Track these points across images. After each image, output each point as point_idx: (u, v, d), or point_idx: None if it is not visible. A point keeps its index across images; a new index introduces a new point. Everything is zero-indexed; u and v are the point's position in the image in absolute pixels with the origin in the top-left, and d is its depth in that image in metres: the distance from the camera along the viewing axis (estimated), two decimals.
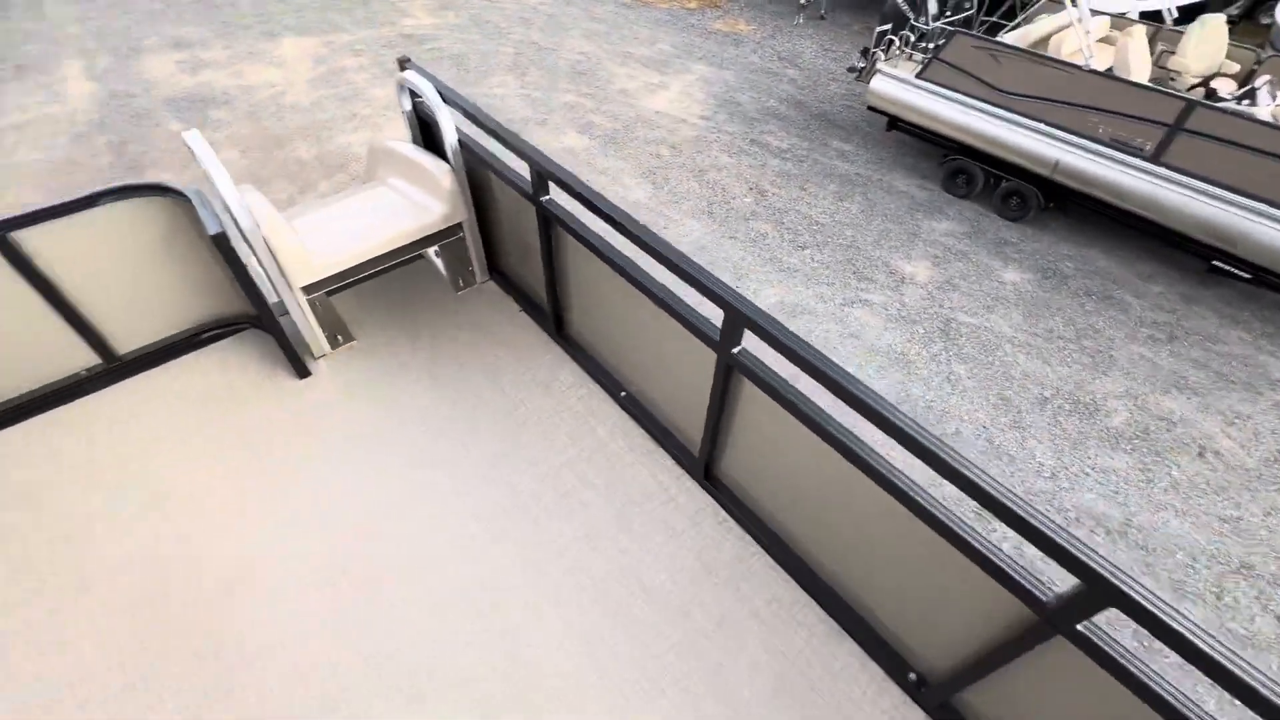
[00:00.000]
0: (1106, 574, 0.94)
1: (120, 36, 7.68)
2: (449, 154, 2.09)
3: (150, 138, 5.76)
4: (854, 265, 4.63)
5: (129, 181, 1.81)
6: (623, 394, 2.06)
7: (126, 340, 2.05)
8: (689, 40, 8.09)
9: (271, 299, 1.97)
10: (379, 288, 2.43)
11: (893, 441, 1.14)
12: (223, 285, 2.06)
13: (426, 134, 2.29)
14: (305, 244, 1.93)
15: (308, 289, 1.99)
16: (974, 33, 5.32)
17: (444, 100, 2.04)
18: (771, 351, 1.31)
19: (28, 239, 1.71)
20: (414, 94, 2.15)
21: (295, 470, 1.88)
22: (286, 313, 2.01)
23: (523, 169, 1.84)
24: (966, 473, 1.04)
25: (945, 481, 1.09)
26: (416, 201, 2.17)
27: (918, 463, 1.13)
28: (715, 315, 1.46)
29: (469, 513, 1.80)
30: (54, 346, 1.92)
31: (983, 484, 1.03)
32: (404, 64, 2.14)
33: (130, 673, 1.48)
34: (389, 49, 7.51)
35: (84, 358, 1.99)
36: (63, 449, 1.88)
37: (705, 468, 1.84)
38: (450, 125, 2.05)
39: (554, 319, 2.18)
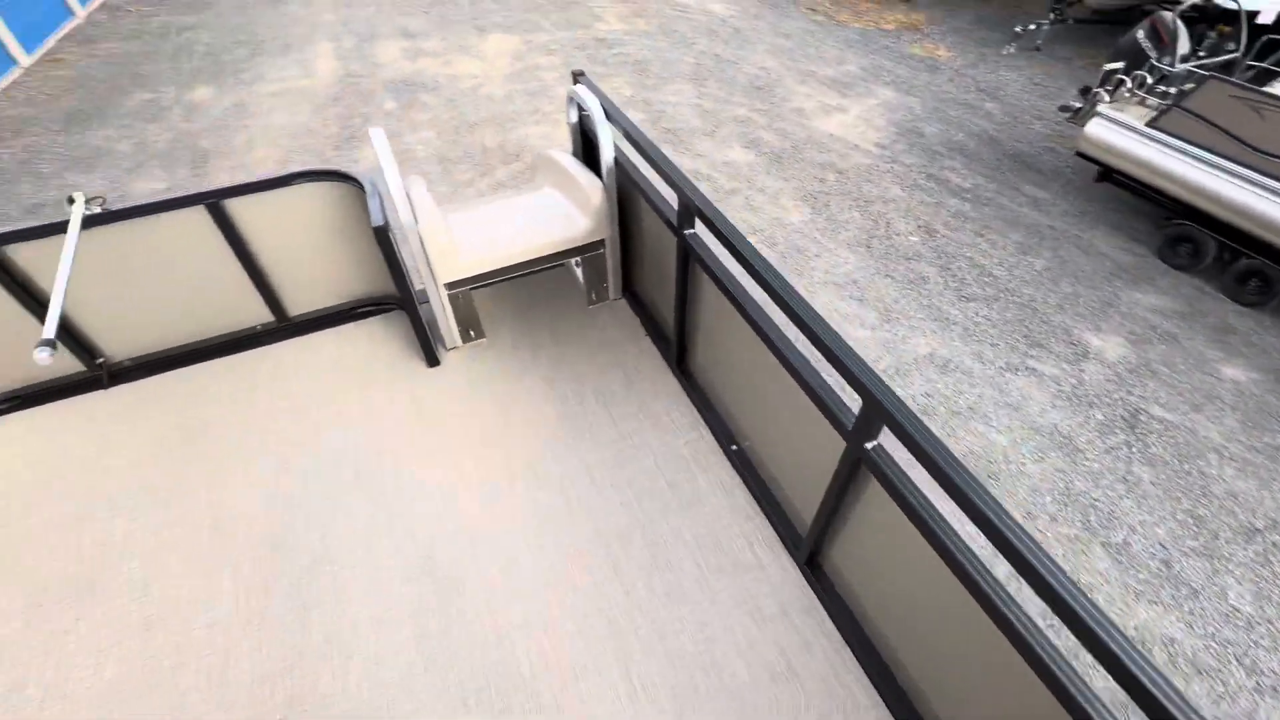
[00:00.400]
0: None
1: (364, 24, 8.87)
2: (604, 171, 2.11)
3: (369, 114, 6.58)
4: (1026, 328, 4.11)
5: (318, 167, 2.03)
6: (734, 447, 1.95)
7: (295, 304, 2.31)
8: (878, 63, 7.69)
9: (418, 287, 2.12)
10: (516, 287, 2.52)
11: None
12: (380, 268, 2.24)
13: (588, 147, 2.32)
14: (455, 243, 2.04)
15: (450, 285, 2.10)
16: (1234, 80, 4.48)
17: (607, 117, 2.05)
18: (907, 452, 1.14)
19: (233, 207, 1.98)
20: (581, 107, 2.19)
21: (404, 451, 1.98)
22: (428, 301, 2.15)
23: (671, 197, 1.80)
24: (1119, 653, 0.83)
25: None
26: (566, 213, 2.22)
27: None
28: (853, 398, 1.30)
29: (552, 536, 1.78)
30: (239, 301, 2.20)
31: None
32: (577, 77, 2.20)
33: (241, 608, 1.64)
34: (580, 50, 7.95)
35: (260, 314, 2.27)
36: (229, 393, 2.14)
37: (810, 553, 1.68)
38: (609, 143, 2.07)
39: (678, 351, 2.13)
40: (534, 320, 2.40)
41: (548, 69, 7.49)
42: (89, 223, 1.78)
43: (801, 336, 1.34)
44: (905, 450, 1.11)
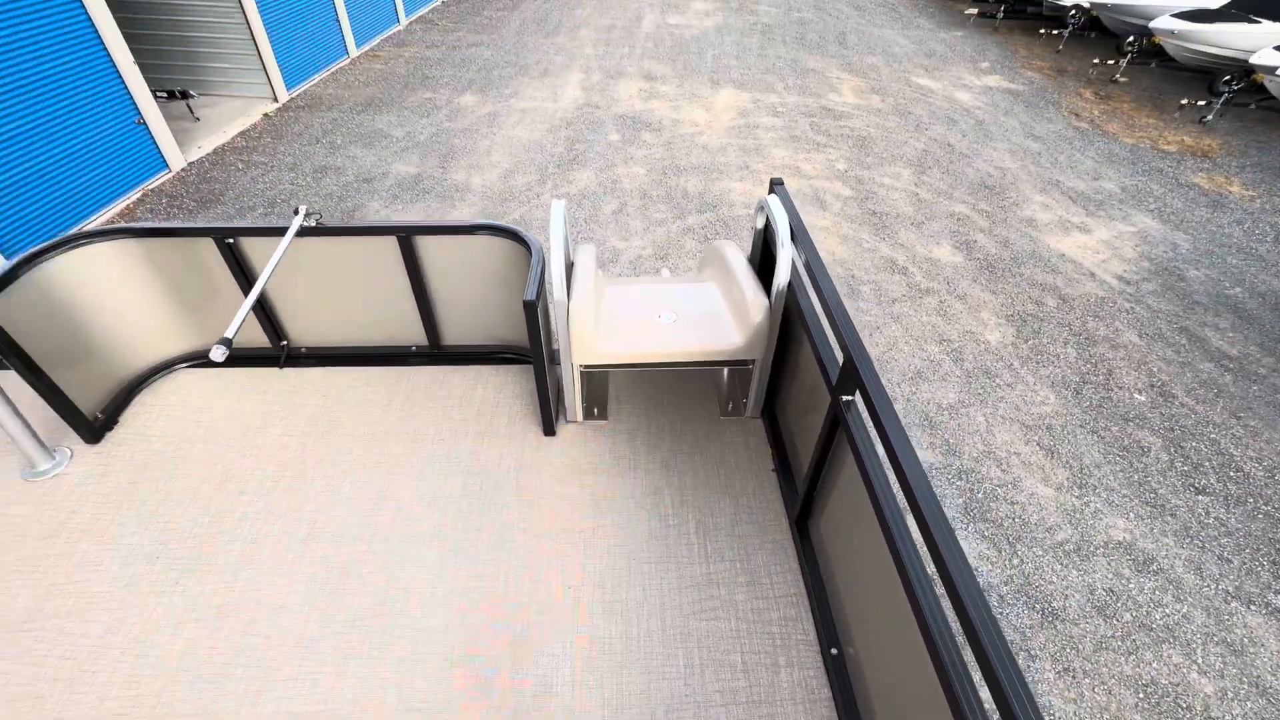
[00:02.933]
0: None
1: (615, 62, 9.73)
2: (773, 293, 1.95)
3: (593, 141, 7.14)
4: (1278, 551, 3.20)
5: (503, 224, 2.14)
6: (834, 651, 1.66)
7: (448, 335, 2.45)
8: (1144, 185, 6.67)
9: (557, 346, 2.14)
10: (655, 375, 2.44)
11: None
12: (524, 326, 2.31)
13: (766, 256, 2.19)
14: (598, 329, 1.99)
15: (585, 367, 2.07)
16: None
17: (792, 238, 1.90)
18: None
19: (420, 241, 2.18)
20: (769, 219, 2.07)
21: (492, 519, 1.96)
22: (559, 364, 2.15)
23: (839, 351, 1.56)
24: None
25: None
26: (721, 322, 2.07)
27: None
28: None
29: (599, 675, 1.62)
30: (402, 321, 2.39)
31: None
32: (774, 185, 2.10)
33: (295, 630, 1.70)
34: (805, 117, 7.94)
35: (417, 337, 2.44)
36: (370, 400, 2.31)
37: None
38: (786, 266, 1.90)
39: (801, 506, 1.88)
40: (661, 416, 2.28)
41: (767, 129, 7.57)
42: (303, 233, 2.06)
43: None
44: None
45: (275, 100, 7.83)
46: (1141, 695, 2.63)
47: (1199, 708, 2.61)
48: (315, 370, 2.42)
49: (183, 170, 6.30)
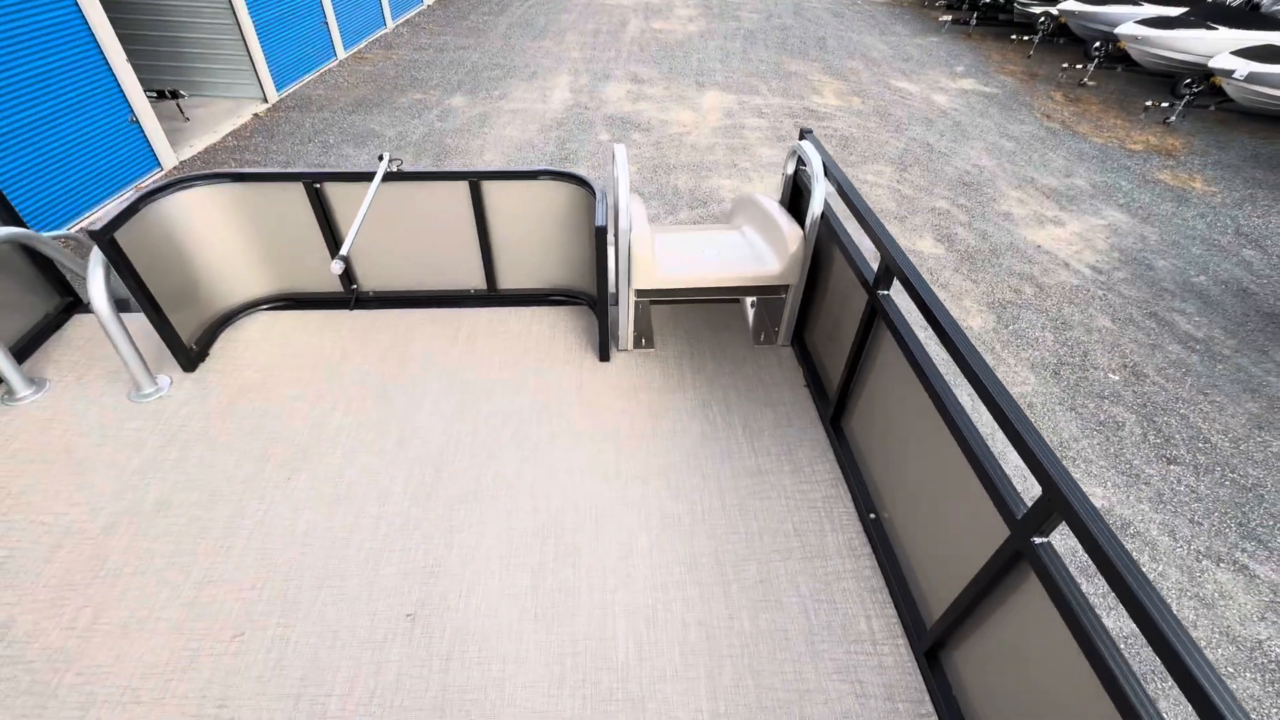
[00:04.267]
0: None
1: (602, 65, 9.88)
2: (807, 222, 2.18)
3: (584, 140, 7.27)
4: (1244, 514, 3.41)
5: (563, 168, 2.34)
6: (872, 516, 1.87)
7: (505, 279, 2.65)
8: (1114, 182, 6.98)
9: (611, 289, 2.31)
10: (691, 311, 2.66)
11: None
12: (582, 266, 2.51)
13: (794, 201, 2.43)
14: (655, 256, 2.21)
15: (640, 293, 2.29)
16: None
17: (825, 173, 2.13)
18: (1082, 554, 1.01)
19: (488, 187, 2.37)
20: (800, 161, 2.29)
21: (560, 425, 2.16)
22: (615, 304, 2.34)
23: (874, 258, 1.80)
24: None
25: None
26: (760, 252, 2.33)
27: None
28: (1028, 488, 1.18)
29: (672, 540, 1.83)
30: (465, 264, 2.59)
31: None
32: (804, 134, 2.31)
33: (403, 512, 1.90)
34: (789, 117, 8.16)
35: (477, 280, 2.64)
36: (438, 336, 2.50)
37: (932, 645, 1.54)
38: (821, 196, 2.14)
39: (835, 407, 2.10)
40: (701, 345, 2.51)
41: (753, 129, 7.77)
42: (388, 178, 2.25)
43: (983, 416, 1.27)
44: (1079, 553, 0.99)
45: (265, 101, 7.85)
46: (1123, 646, 2.80)
47: None
48: (383, 312, 2.62)
49: (175, 168, 6.30)
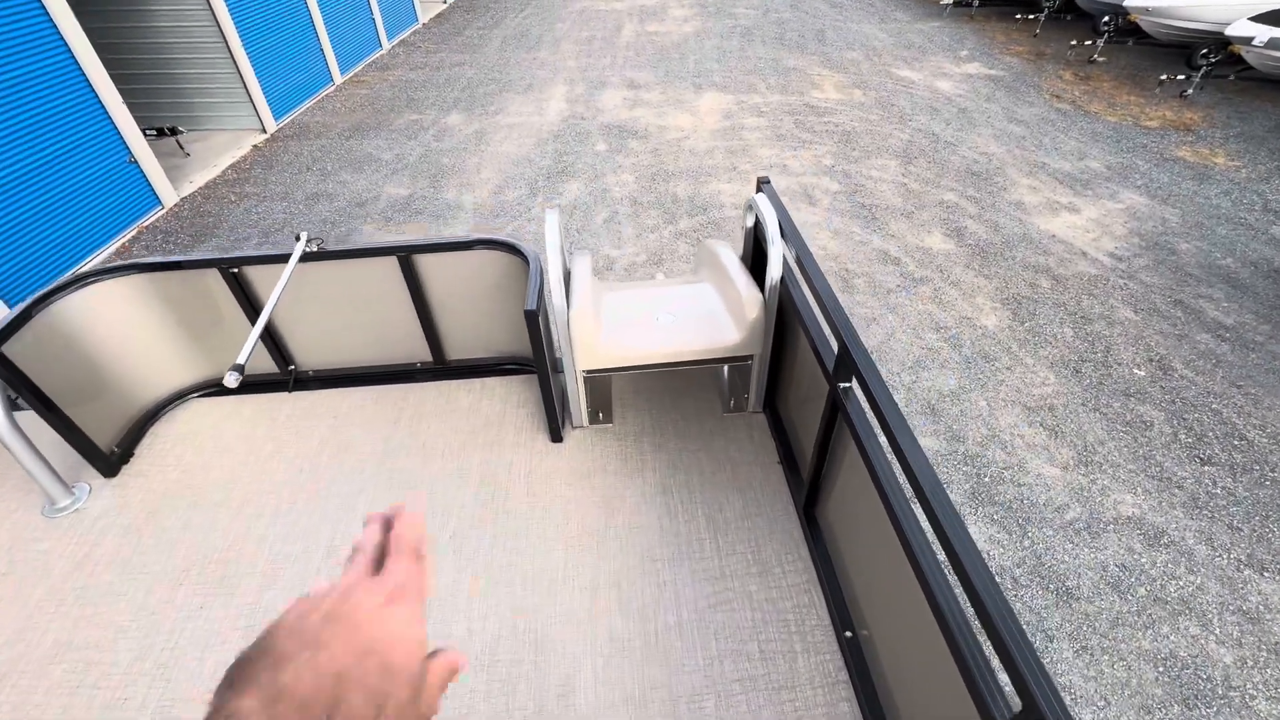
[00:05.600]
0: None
1: (598, 73, 9.80)
2: (766, 286, 1.97)
3: (581, 152, 7.19)
4: None
5: (495, 236, 2.16)
6: (849, 634, 1.65)
7: (452, 349, 2.48)
8: (1130, 162, 6.72)
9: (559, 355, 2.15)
10: (655, 376, 2.46)
11: None
12: (526, 336, 2.33)
13: (758, 253, 2.20)
14: (599, 333, 2.00)
15: (588, 372, 2.08)
16: None
17: (781, 234, 1.92)
18: None
19: (420, 259, 2.21)
20: (757, 217, 2.09)
21: (502, 526, 1.96)
22: (562, 372, 2.16)
23: (833, 339, 1.57)
24: None
25: None
26: (718, 319, 2.09)
27: None
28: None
29: (619, 671, 1.62)
30: (407, 338, 2.41)
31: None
32: (761, 184, 2.13)
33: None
34: (789, 115, 8.00)
35: (421, 353, 2.46)
36: (381, 418, 2.33)
37: None
38: (777, 261, 1.91)
39: (807, 494, 1.89)
40: (664, 415, 2.30)
41: (753, 130, 7.63)
42: (305, 258, 2.08)
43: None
44: None
45: (264, 131, 7.90)
46: (1161, 669, 2.64)
47: (1219, 678, 2.61)
48: (323, 393, 2.45)
49: (176, 205, 6.34)
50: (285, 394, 2.44)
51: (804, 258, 1.76)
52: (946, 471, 3.48)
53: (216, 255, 2.15)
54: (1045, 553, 3.08)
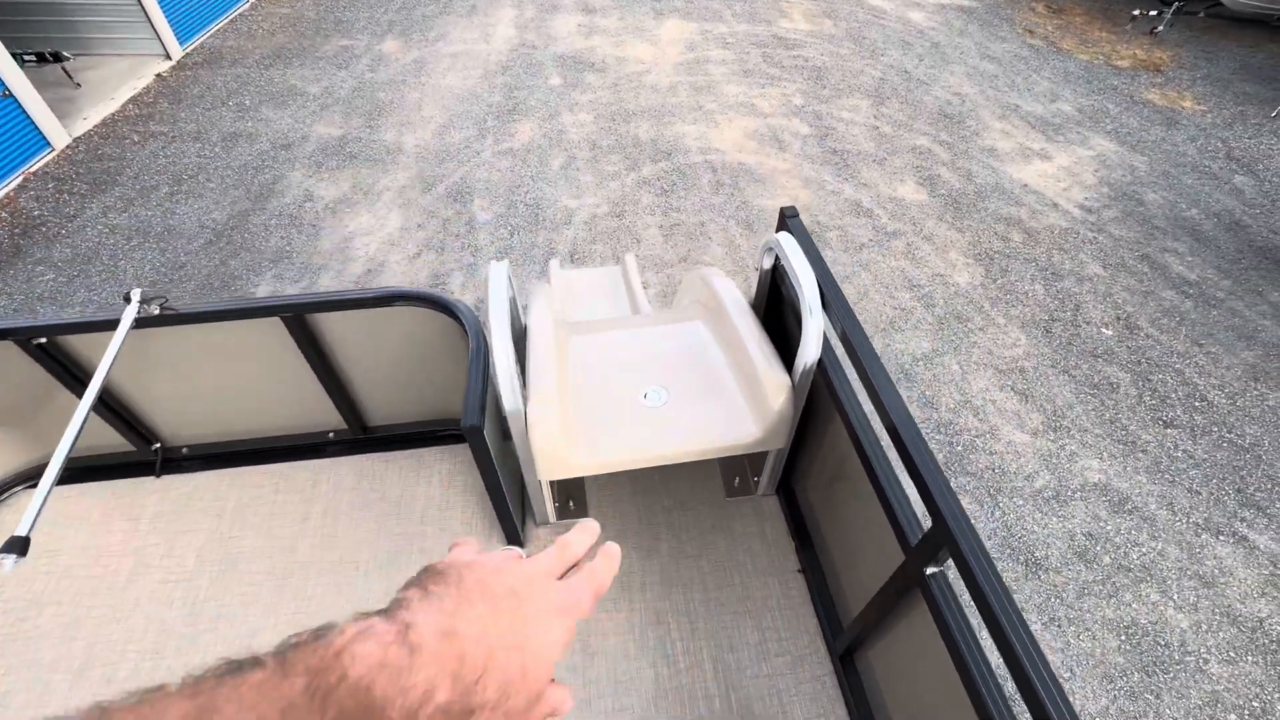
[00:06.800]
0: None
1: None
2: (798, 370, 1.47)
3: (533, 87, 6.58)
4: (1242, 479, 3.28)
5: (425, 291, 1.64)
6: None
7: (374, 414, 1.98)
8: (1100, 105, 6.57)
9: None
10: None
11: None
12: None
13: (772, 299, 1.72)
14: (568, 431, 1.46)
15: (555, 482, 1.65)
16: None
17: (822, 300, 1.38)
18: None
19: (317, 320, 1.69)
20: (779, 260, 1.55)
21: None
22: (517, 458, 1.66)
23: (911, 491, 1.14)
24: None
25: None
26: (729, 405, 1.56)
27: None
28: None
29: None
30: (313, 407, 1.89)
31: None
32: (786, 218, 1.58)
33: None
34: (756, 47, 7.49)
35: (334, 422, 1.95)
36: (284, 505, 1.84)
37: None
38: (815, 340, 1.41)
39: (849, 644, 1.46)
40: (654, 503, 1.83)
41: (718, 63, 7.12)
42: (142, 324, 1.51)
43: None
44: None
45: (168, 58, 6.94)
46: (1124, 637, 2.70)
47: (1176, 643, 2.69)
48: (204, 475, 1.88)
49: (69, 147, 5.56)
50: (152, 478, 1.87)
51: (859, 347, 1.27)
52: None
53: (15, 323, 1.54)
54: (1015, 523, 3.08)
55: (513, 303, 1.49)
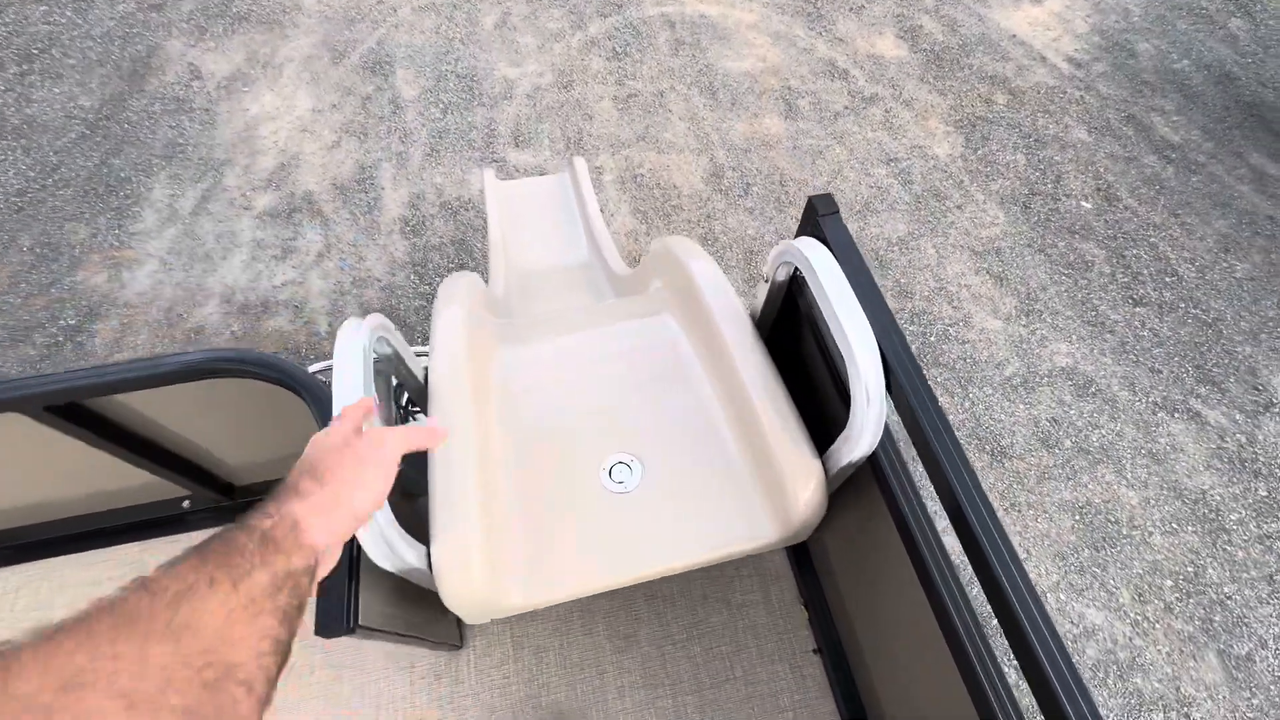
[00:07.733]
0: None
1: None
2: (836, 458, 1.03)
3: None
4: (1200, 355, 3.33)
5: (235, 352, 1.09)
6: None
7: (240, 473, 1.57)
8: None
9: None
10: None
11: None
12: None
13: (784, 312, 1.26)
14: (498, 569, 0.97)
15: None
16: None
17: (886, 380, 0.91)
18: None
19: (106, 404, 1.20)
20: (797, 274, 1.10)
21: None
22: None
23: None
24: None
25: None
26: (735, 494, 1.08)
27: None
28: None
29: None
30: (148, 476, 1.41)
31: None
32: (818, 216, 1.03)
33: None
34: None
35: (186, 484, 1.52)
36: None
37: None
38: (873, 431, 0.95)
39: None
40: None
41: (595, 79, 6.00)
42: None
43: None
44: None
45: None
46: (1078, 517, 2.82)
47: (1125, 519, 2.83)
48: (20, 570, 1.42)
49: None
50: None
51: (923, 412, 0.88)
52: None
53: None
54: (984, 413, 3.10)
55: (395, 360, 1.09)
